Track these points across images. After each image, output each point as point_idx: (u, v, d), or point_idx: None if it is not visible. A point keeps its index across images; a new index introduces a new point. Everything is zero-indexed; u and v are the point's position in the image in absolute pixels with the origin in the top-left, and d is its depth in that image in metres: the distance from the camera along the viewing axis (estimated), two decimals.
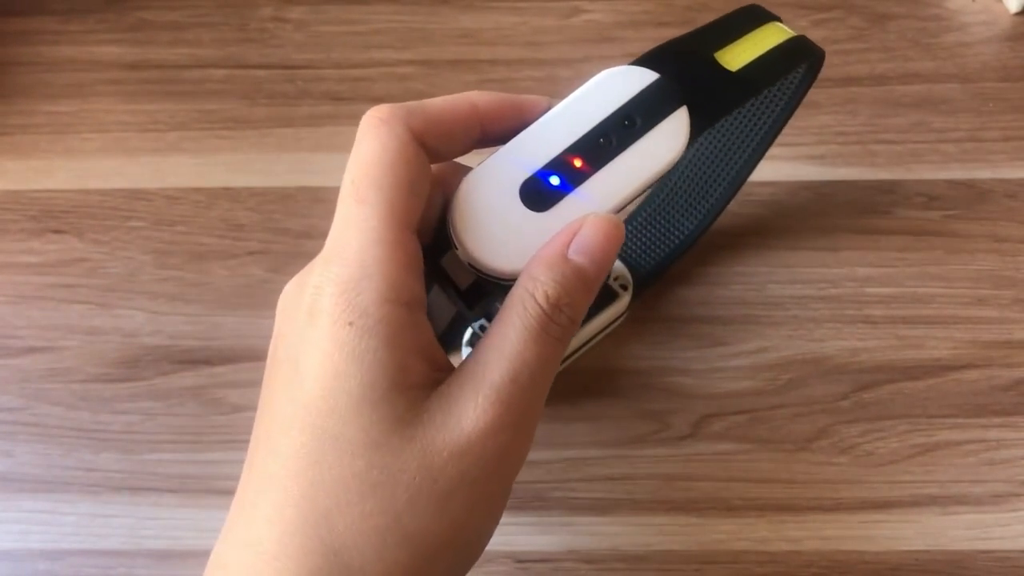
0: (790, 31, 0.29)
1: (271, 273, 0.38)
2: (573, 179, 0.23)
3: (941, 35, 0.44)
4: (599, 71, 0.25)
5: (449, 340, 0.25)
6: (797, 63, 0.29)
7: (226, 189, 0.40)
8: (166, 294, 0.37)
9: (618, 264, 0.35)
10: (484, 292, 0.24)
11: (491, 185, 0.23)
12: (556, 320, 0.22)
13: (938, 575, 0.31)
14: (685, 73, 0.25)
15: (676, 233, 0.36)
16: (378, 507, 0.20)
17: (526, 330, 0.22)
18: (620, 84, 0.24)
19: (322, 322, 0.21)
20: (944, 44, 0.43)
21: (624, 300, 0.34)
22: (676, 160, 0.24)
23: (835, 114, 0.41)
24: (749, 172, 0.35)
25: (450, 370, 0.23)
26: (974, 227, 0.38)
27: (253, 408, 0.35)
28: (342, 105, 0.42)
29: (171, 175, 0.40)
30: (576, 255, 0.22)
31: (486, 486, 0.21)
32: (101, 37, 0.45)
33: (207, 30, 0.45)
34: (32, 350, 0.36)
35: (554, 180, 0.23)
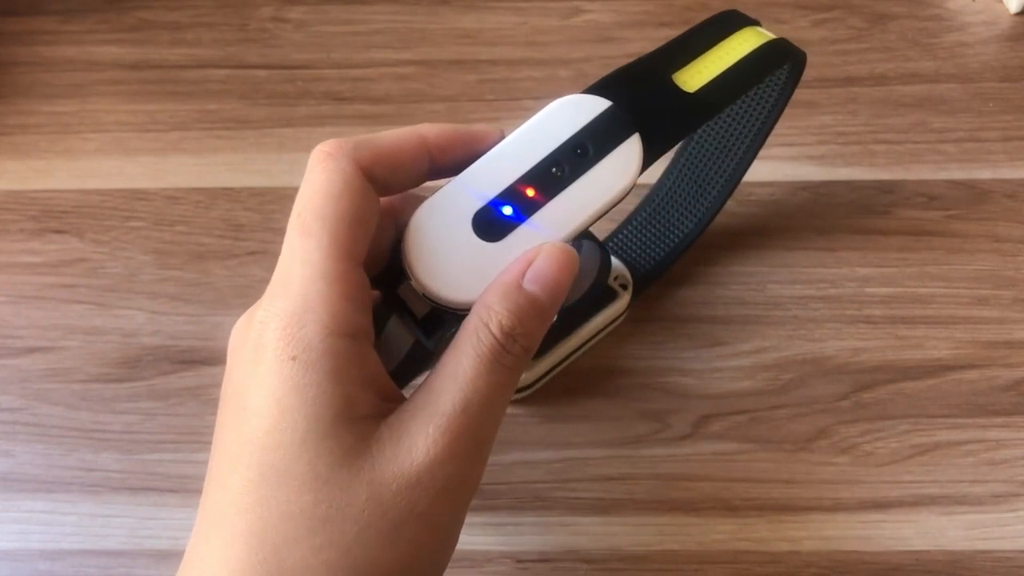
0: (767, 35, 0.28)
1: (271, 273, 0.38)
2: (526, 209, 0.23)
3: (941, 35, 0.44)
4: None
5: (408, 370, 0.25)
6: (766, 72, 0.29)
7: (226, 189, 0.40)
8: (166, 294, 0.37)
9: (618, 263, 0.35)
10: (442, 320, 0.24)
11: (443, 216, 0.23)
12: (510, 350, 0.22)
13: (938, 575, 0.31)
14: (639, 98, 0.25)
15: (675, 233, 0.36)
16: (327, 541, 0.20)
17: (479, 359, 0.22)
18: (572, 113, 0.24)
19: (267, 357, 0.21)
20: (944, 44, 0.43)
21: (624, 300, 0.34)
22: (629, 187, 0.24)
23: (835, 114, 0.41)
24: (744, 171, 0.35)
25: (399, 400, 0.23)
26: (974, 227, 0.38)
27: None
28: (342, 105, 0.42)
29: (171, 175, 0.40)
30: (531, 284, 0.22)
31: (437, 516, 0.21)
32: (101, 37, 0.45)
33: (207, 30, 0.45)
34: (32, 350, 0.36)
35: (507, 210, 0.23)
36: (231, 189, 0.40)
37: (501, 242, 0.23)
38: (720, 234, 0.37)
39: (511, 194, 0.23)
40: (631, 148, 0.24)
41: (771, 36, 0.28)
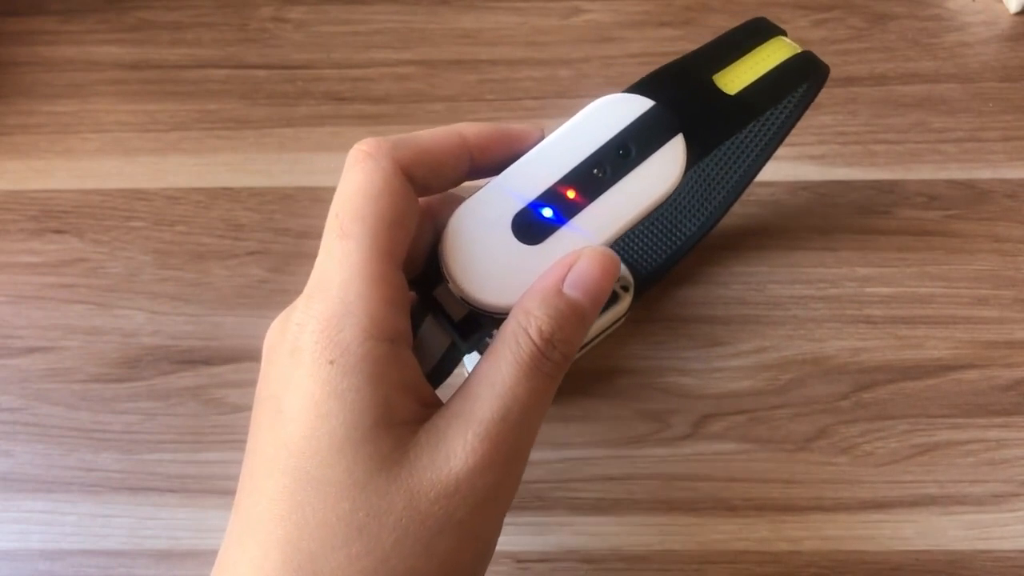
0: (796, 47, 0.28)
1: (271, 273, 0.38)
2: (566, 211, 0.23)
3: (941, 35, 0.44)
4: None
5: (443, 371, 0.25)
6: (798, 84, 0.29)
7: (226, 189, 0.40)
8: (166, 294, 0.37)
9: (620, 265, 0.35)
10: (479, 323, 0.24)
11: (482, 218, 0.23)
12: (549, 356, 0.21)
13: (938, 575, 0.31)
14: (682, 99, 0.24)
15: (678, 236, 0.36)
16: (364, 549, 0.20)
17: (518, 365, 0.21)
18: (615, 112, 0.24)
19: (304, 360, 0.21)
20: (944, 44, 0.43)
21: (625, 301, 0.34)
22: (672, 189, 0.24)
23: (835, 114, 0.41)
24: (752, 178, 0.35)
25: (438, 405, 0.22)
26: (974, 227, 0.38)
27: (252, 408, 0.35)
28: (342, 105, 0.42)
29: (171, 175, 0.40)
30: (571, 289, 0.22)
31: (474, 525, 0.21)
32: (101, 37, 0.45)
33: (207, 30, 0.45)
34: (32, 350, 0.36)
35: (547, 212, 0.23)
36: (231, 189, 0.40)
37: (540, 245, 0.23)
38: (720, 234, 0.37)
39: (551, 196, 0.23)
40: (675, 149, 0.24)
41: (798, 48, 0.28)
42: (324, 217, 0.40)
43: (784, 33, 0.29)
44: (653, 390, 0.35)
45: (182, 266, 0.38)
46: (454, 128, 0.23)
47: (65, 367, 0.36)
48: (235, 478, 0.33)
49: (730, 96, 0.26)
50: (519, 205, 0.23)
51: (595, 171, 0.23)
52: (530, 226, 0.23)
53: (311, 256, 0.23)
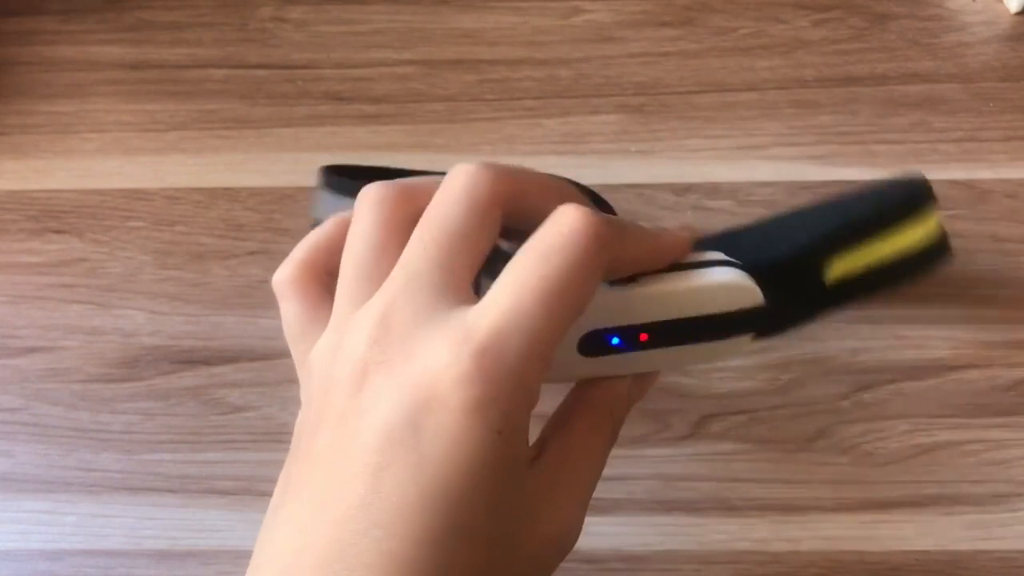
0: (933, 223, 0.28)
1: (271, 273, 0.37)
2: (633, 345, 0.24)
3: (941, 35, 0.44)
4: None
5: None
6: (913, 273, 0.29)
7: (226, 189, 0.40)
8: (166, 294, 0.37)
9: None
10: None
11: None
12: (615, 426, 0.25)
13: (938, 575, 0.31)
14: (785, 297, 0.25)
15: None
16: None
17: (605, 435, 0.24)
18: (725, 295, 0.24)
19: (462, 420, 0.20)
20: (944, 44, 0.43)
21: None
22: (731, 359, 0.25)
23: (835, 114, 0.41)
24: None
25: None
26: (974, 227, 0.38)
27: (253, 408, 0.35)
28: (342, 105, 0.42)
29: (171, 175, 0.40)
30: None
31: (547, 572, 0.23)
32: (101, 37, 0.45)
33: (207, 30, 0.45)
34: (32, 350, 0.36)
35: (615, 341, 0.24)
36: (231, 189, 0.40)
37: (596, 358, 0.24)
38: None
39: (626, 332, 0.24)
40: (748, 340, 0.25)
41: (936, 226, 0.28)
42: None
43: (935, 202, 0.28)
44: (653, 390, 0.35)
45: (182, 266, 0.38)
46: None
47: (65, 367, 0.36)
48: (235, 478, 0.33)
49: (825, 286, 0.26)
50: (591, 328, 0.24)
51: (676, 332, 0.24)
52: (595, 346, 0.24)
53: None
